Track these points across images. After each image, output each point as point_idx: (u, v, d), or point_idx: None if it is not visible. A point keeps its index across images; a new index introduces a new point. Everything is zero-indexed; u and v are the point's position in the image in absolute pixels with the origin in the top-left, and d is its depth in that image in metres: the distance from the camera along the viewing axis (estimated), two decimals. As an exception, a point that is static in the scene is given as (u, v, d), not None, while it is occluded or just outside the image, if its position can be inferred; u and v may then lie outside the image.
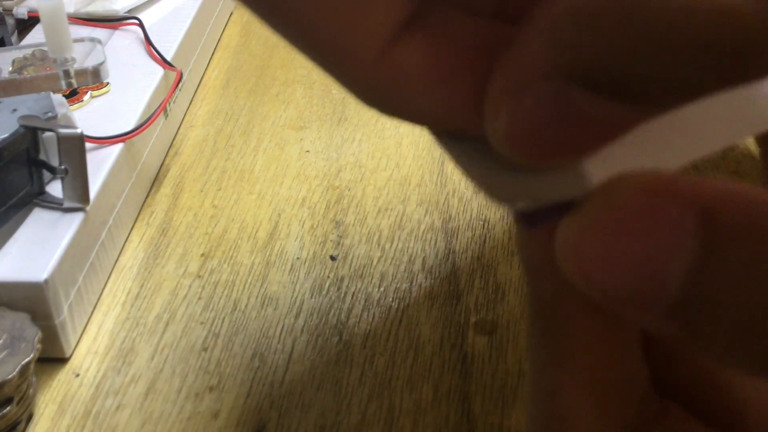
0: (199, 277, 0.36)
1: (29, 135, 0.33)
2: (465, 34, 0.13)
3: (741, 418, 0.15)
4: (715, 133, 0.13)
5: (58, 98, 0.36)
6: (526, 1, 0.12)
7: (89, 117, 0.39)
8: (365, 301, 0.34)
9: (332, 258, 0.37)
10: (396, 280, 0.36)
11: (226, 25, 0.59)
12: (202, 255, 0.37)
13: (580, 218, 0.12)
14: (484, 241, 0.38)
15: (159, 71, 0.44)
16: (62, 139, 0.32)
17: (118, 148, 0.37)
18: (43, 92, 0.36)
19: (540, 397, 0.14)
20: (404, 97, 0.13)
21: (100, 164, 0.36)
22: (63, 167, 0.32)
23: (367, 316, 0.34)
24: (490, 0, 0.14)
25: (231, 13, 0.61)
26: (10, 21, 0.50)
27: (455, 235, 0.38)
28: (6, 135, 0.32)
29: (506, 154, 0.12)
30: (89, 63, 0.39)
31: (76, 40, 0.40)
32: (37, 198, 0.34)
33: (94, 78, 0.38)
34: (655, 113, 0.12)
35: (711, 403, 0.15)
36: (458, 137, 0.14)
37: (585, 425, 0.14)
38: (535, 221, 0.14)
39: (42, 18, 0.37)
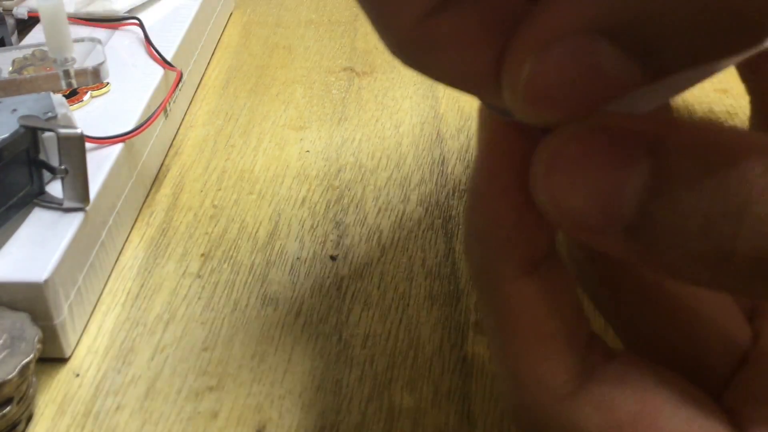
0: (199, 277, 0.36)
1: (29, 135, 0.33)
2: (495, 7, 0.14)
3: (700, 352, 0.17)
4: (687, 78, 0.14)
5: (58, 98, 0.36)
6: None
7: (89, 117, 0.39)
8: (365, 301, 0.34)
9: (332, 258, 0.37)
10: (396, 280, 0.35)
11: (226, 25, 0.59)
12: (202, 255, 0.37)
13: (549, 154, 0.13)
14: (484, 241, 0.38)
15: (159, 71, 0.44)
16: (62, 139, 0.32)
17: (118, 148, 0.37)
18: (43, 92, 0.36)
19: (496, 355, 0.16)
20: (434, 58, 0.14)
21: (100, 164, 0.36)
22: (63, 167, 0.32)
23: (367, 316, 0.34)
24: None
25: (231, 13, 0.61)
26: (10, 21, 0.50)
27: (455, 235, 0.38)
28: (6, 135, 0.32)
29: (519, 109, 0.13)
30: (89, 63, 0.39)
31: (76, 40, 0.40)
32: (37, 198, 0.34)
33: (94, 78, 0.38)
34: (663, 75, 0.13)
35: (664, 347, 0.17)
36: None
37: (533, 374, 0.15)
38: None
39: (42, 18, 0.37)
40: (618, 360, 0.16)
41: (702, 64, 0.13)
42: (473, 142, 0.45)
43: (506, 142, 0.15)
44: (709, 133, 0.12)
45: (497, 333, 0.16)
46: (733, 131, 0.13)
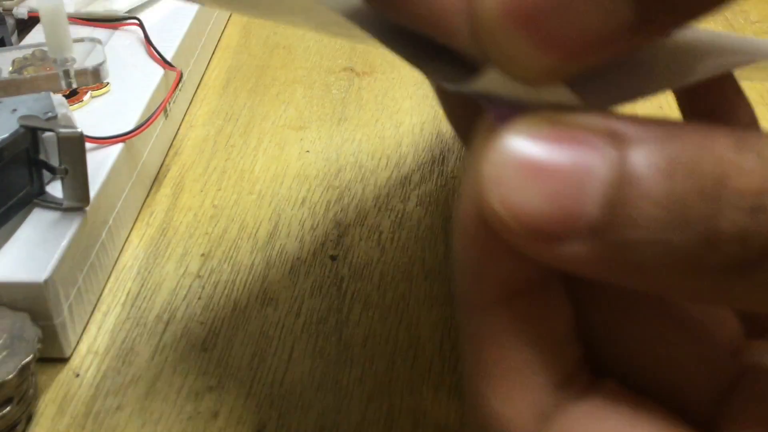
0: (199, 277, 0.36)
1: (29, 135, 0.33)
2: None
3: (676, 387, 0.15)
4: (654, 81, 0.14)
5: (58, 98, 0.36)
6: None
7: (89, 117, 0.39)
8: (365, 301, 0.34)
9: (332, 258, 0.37)
10: (396, 280, 0.35)
11: (226, 25, 0.59)
12: (202, 255, 0.37)
13: (499, 151, 0.12)
14: (484, 241, 0.38)
15: (159, 71, 0.44)
16: (62, 139, 0.32)
17: (118, 148, 0.37)
18: (43, 92, 0.36)
19: (466, 381, 0.15)
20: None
21: (100, 164, 0.36)
22: (63, 167, 0.32)
23: (367, 316, 0.34)
24: None
25: (231, 13, 0.61)
26: (10, 21, 0.49)
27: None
28: (6, 135, 0.32)
29: (490, 42, 0.12)
30: (89, 63, 0.39)
31: (76, 40, 0.40)
32: (37, 198, 0.34)
33: (94, 78, 0.38)
34: (651, 29, 0.12)
35: (646, 375, 0.15)
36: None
37: (495, 410, 0.14)
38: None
39: (42, 18, 0.37)
40: (600, 392, 0.15)
41: (689, 18, 0.12)
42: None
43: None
44: (671, 122, 0.12)
45: (465, 363, 0.15)
46: (695, 121, 0.12)
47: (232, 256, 0.37)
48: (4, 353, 0.28)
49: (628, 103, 0.14)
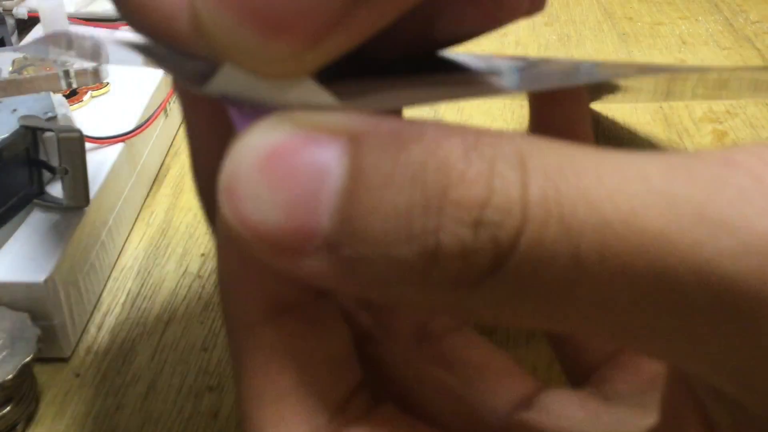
0: (199, 277, 0.36)
1: (29, 135, 0.33)
2: None
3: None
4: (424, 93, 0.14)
5: (58, 98, 0.36)
6: None
7: (89, 117, 0.39)
8: (365, 301, 0.34)
9: (332, 258, 0.37)
10: (396, 280, 0.35)
11: (226, 25, 0.59)
12: (202, 255, 0.37)
13: (232, 158, 0.11)
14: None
15: (159, 71, 0.44)
16: (62, 140, 0.32)
17: (118, 148, 0.37)
18: (43, 92, 0.36)
19: (237, 403, 0.14)
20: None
21: (100, 164, 0.36)
22: (63, 167, 0.32)
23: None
24: None
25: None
26: (10, 21, 0.50)
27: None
28: (6, 135, 0.32)
29: (212, 25, 0.11)
30: (89, 63, 0.39)
31: (76, 40, 0.40)
32: (37, 198, 0.34)
33: (94, 78, 0.38)
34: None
35: (421, 398, 0.15)
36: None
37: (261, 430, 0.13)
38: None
39: (42, 18, 0.37)
40: (378, 416, 0.14)
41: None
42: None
43: None
44: (407, 124, 0.11)
45: (236, 384, 0.14)
46: (436, 123, 0.11)
47: (232, 256, 0.37)
48: (4, 353, 0.28)
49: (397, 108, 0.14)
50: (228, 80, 0.12)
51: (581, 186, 0.10)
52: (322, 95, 0.12)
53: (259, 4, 0.10)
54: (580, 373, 0.18)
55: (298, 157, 0.11)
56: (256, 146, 0.11)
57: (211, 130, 0.15)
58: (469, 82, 0.15)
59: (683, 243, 0.10)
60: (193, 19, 0.11)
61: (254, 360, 0.13)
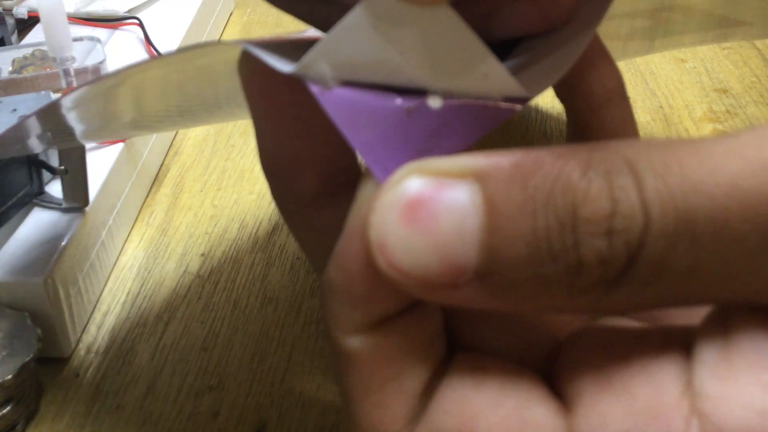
0: (199, 277, 0.36)
1: (29, 135, 0.32)
2: None
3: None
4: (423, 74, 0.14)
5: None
6: None
7: (89, 117, 0.39)
8: (365, 301, 0.34)
9: (332, 258, 0.37)
10: (396, 280, 0.35)
11: (226, 25, 0.59)
12: (202, 255, 0.37)
13: (375, 221, 0.13)
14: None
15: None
16: (62, 139, 0.32)
17: (118, 148, 0.37)
18: (43, 91, 0.36)
19: (342, 394, 0.16)
20: None
21: (100, 164, 0.36)
22: (63, 167, 0.32)
23: (367, 316, 0.34)
24: None
25: (231, 13, 0.61)
26: (10, 21, 0.49)
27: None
28: (6, 135, 0.32)
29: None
30: (89, 62, 0.39)
31: (76, 40, 0.40)
32: (37, 198, 0.34)
33: (94, 77, 0.38)
34: None
35: (489, 347, 0.16)
36: None
37: (367, 421, 0.15)
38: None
39: (42, 18, 0.37)
40: (449, 374, 0.15)
41: None
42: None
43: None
44: (522, 155, 0.12)
45: (340, 379, 0.16)
46: (548, 150, 0.12)
47: (232, 256, 0.37)
48: (4, 353, 0.28)
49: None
50: (373, 8, 0.13)
51: (686, 174, 0.11)
52: (461, 25, 0.13)
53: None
54: None
55: (436, 203, 0.12)
56: (395, 201, 0.12)
57: (275, 113, 0.16)
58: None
59: None
60: None
61: (364, 358, 0.15)
